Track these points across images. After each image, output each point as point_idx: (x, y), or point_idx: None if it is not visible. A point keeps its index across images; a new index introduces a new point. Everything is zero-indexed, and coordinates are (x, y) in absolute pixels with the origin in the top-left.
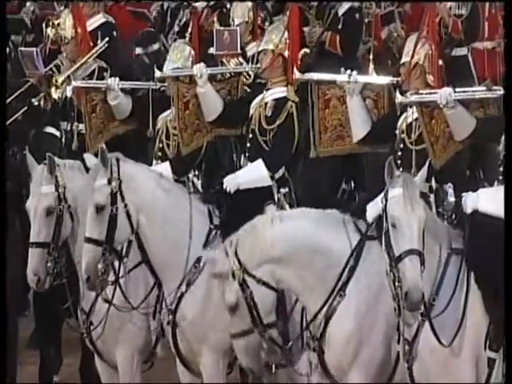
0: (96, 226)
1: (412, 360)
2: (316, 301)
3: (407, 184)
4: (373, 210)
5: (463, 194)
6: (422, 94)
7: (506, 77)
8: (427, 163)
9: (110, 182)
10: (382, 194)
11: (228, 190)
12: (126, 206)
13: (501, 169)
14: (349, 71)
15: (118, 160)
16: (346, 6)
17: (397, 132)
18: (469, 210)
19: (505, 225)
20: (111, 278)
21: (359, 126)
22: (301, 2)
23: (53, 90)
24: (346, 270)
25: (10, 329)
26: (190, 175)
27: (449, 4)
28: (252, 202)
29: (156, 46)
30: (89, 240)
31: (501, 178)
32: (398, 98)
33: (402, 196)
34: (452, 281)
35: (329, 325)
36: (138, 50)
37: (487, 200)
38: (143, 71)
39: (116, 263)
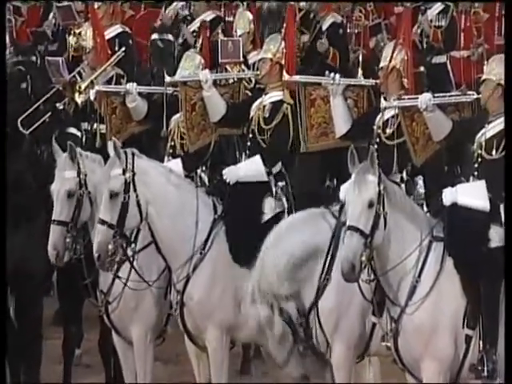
0: (109, 210)
1: (397, 336)
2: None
3: (359, 171)
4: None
5: (443, 189)
6: (404, 99)
7: (506, 76)
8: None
9: (124, 172)
10: None
11: (228, 180)
12: (137, 196)
13: (476, 165)
14: (332, 74)
15: (133, 154)
16: (329, 21)
17: (374, 128)
18: (448, 203)
19: (505, 225)
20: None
21: (341, 123)
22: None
23: (76, 95)
24: (328, 258)
25: (38, 308)
26: (199, 171)
27: (430, 16)
28: (251, 195)
29: (170, 37)
30: (102, 222)
31: (476, 173)
32: (383, 103)
33: (352, 181)
34: (434, 266)
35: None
36: (154, 36)
37: (464, 194)
38: (156, 55)
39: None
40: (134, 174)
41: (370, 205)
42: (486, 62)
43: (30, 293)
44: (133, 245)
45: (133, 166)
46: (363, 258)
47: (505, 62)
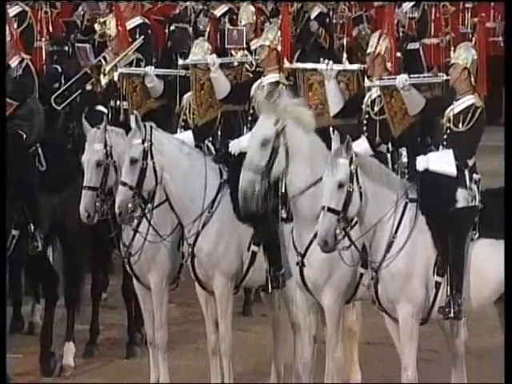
0: (129, 174)
1: (377, 283)
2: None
3: (332, 155)
4: None
5: (417, 157)
6: (384, 79)
7: (506, 76)
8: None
9: (143, 142)
10: None
11: (233, 152)
12: (153, 163)
13: (444, 136)
14: (326, 61)
15: (151, 127)
16: (317, 11)
17: (363, 107)
18: (421, 169)
19: (505, 223)
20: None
21: (335, 104)
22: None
23: (101, 76)
24: None
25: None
26: (206, 141)
27: (405, 9)
28: None
29: (185, 25)
30: (123, 183)
31: (445, 143)
32: (366, 82)
33: (328, 164)
34: (409, 223)
35: (311, 245)
36: (172, 27)
37: (435, 161)
38: (176, 42)
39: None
40: (151, 144)
41: (340, 185)
42: (452, 48)
43: (72, 242)
44: (149, 205)
45: (151, 137)
46: (337, 231)
47: (505, 62)
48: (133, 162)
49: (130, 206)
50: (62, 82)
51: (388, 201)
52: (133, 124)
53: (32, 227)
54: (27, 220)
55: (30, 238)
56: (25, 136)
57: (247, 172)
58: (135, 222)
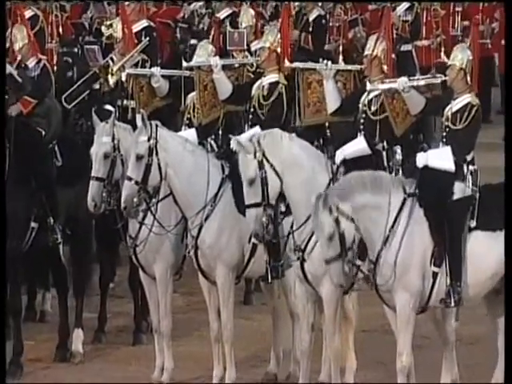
0: (135, 169)
1: (375, 275)
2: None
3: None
4: (340, 155)
5: (417, 154)
6: (385, 82)
7: (506, 76)
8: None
9: (149, 139)
10: None
11: (234, 149)
12: (158, 159)
13: (444, 133)
14: (325, 61)
15: (156, 126)
16: (315, 13)
17: (360, 106)
18: (420, 166)
19: (505, 222)
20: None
21: (332, 102)
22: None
23: (109, 76)
24: None
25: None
26: (209, 139)
27: (399, 12)
28: None
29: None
30: (129, 178)
31: (444, 140)
32: (368, 86)
33: None
34: (407, 216)
35: (310, 240)
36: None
37: (434, 158)
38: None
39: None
40: (156, 142)
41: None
42: (443, 49)
43: (83, 234)
44: (153, 200)
45: (156, 135)
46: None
47: (505, 62)
48: (139, 158)
49: (135, 200)
50: (75, 72)
51: (381, 198)
52: (139, 122)
53: (51, 220)
54: (47, 213)
55: (49, 230)
56: (43, 133)
57: (252, 209)
58: (141, 214)
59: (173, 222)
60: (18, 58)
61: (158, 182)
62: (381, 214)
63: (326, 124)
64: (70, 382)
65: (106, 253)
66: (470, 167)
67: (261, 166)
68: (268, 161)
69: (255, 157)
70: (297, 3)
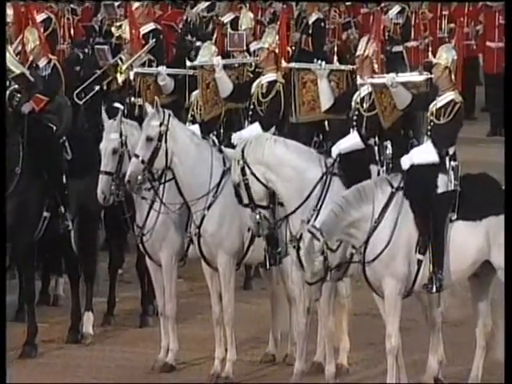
0: (144, 149)
1: (364, 264)
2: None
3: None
4: (335, 149)
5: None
6: (374, 77)
7: (506, 76)
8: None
9: (161, 124)
10: None
11: (235, 143)
12: (166, 146)
13: (428, 127)
14: (319, 61)
15: (169, 114)
16: (314, 17)
17: (352, 103)
18: (406, 167)
19: (505, 220)
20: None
21: (326, 100)
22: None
23: (118, 75)
24: (324, 189)
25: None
26: (211, 135)
27: (390, 15)
28: None
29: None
30: (136, 156)
31: (429, 133)
32: (359, 80)
33: None
34: (393, 208)
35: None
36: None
37: (417, 155)
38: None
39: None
40: (167, 129)
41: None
42: (430, 49)
43: (92, 223)
44: (156, 182)
45: (168, 123)
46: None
47: (505, 62)
48: (148, 139)
49: (139, 177)
50: (84, 68)
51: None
52: (150, 109)
53: (62, 209)
54: (58, 203)
55: (61, 218)
56: (55, 128)
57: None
58: (150, 201)
59: (178, 206)
60: (30, 58)
61: (163, 166)
62: (365, 221)
63: (326, 121)
64: (81, 362)
65: (115, 241)
66: (452, 163)
67: (243, 172)
68: (249, 167)
69: (238, 164)
70: (297, 7)
